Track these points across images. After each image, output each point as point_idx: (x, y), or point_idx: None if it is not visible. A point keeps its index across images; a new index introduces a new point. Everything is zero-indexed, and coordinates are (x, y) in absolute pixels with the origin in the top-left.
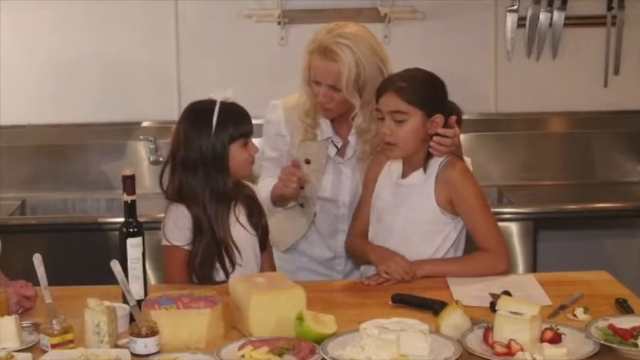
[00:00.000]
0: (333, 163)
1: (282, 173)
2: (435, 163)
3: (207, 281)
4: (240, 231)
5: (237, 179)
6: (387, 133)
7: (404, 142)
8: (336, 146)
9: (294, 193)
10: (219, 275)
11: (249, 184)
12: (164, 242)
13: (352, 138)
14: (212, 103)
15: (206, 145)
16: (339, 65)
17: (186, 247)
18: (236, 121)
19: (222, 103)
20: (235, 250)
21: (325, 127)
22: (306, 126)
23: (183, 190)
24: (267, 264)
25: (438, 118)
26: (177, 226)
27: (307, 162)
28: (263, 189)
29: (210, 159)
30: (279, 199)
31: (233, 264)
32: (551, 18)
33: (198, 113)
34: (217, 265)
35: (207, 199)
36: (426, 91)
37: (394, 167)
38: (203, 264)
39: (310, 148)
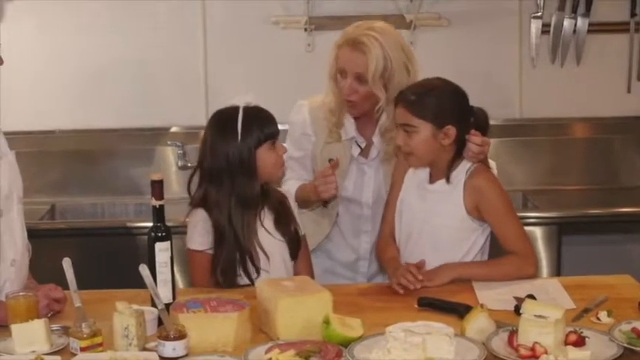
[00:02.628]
0: (357, 164)
1: (320, 177)
2: (462, 171)
3: (230, 286)
4: (264, 236)
5: (268, 184)
6: (401, 144)
7: (417, 152)
8: (359, 146)
9: (334, 196)
10: (244, 281)
11: (280, 189)
12: (187, 246)
13: (376, 139)
14: (235, 109)
15: (233, 152)
16: (367, 56)
17: (208, 251)
18: (261, 123)
19: (246, 108)
20: (264, 255)
21: (349, 127)
22: (331, 126)
23: (208, 198)
24: (304, 270)
25: (450, 130)
26: (197, 231)
27: (330, 161)
28: (287, 191)
29: (238, 165)
30: (307, 201)
31: (257, 270)
32: (575, 24)
33: (223, 120)
34: (241, 272)
35: (232, 206)
36: (436, 104)
37: (421, 169)
38: (225, 271)
39: (334, 148)
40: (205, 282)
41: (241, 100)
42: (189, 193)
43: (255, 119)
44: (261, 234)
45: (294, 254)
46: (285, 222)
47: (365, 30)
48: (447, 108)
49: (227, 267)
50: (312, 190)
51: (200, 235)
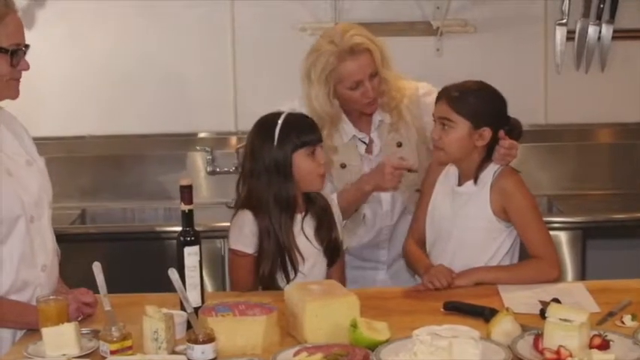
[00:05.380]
0: (368, 161)
1: (389, 167)
2: (490, 173)
3: (272, 288)
4: (303, 242)
5: (307, 191)
6: (435, 138)
7: (449, 148)
8: (363, 142)
9: (396, 186)
10: (283, 282)
11: (326, 195)
12: (230, 247)
13: (374, 135)
14: (279, 114)
15: (269, 155)
16: (370, 50)
17: (250, 253)
18: (299, 130)
19: (289, 114)
20: (300, 258)
21: (347, 128)
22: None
23: (252, 198)
24: (337, 279)
25: (486, 131)
26: (242, 233)
27: (343, 166)
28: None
29: (274, 168)
30: (353, 205)
31: (295, 270)
32: (600, 31)
33: (263, 125)
34: (281, 272)
35: (271, 207)
36: (476, 104)
37: (452, 173)
38: (270, 270)
39: (342, 154)
40: (248, 284)
41: (286, 105)
42: (237, 193)
43: (295, 125)
44: (300, 240)
45: (331, 262)
46: (326, 230)
47: (346, 35)
48: (486, 110)
49: (272, 267)
50: (374, 180)
51: (246, 236)
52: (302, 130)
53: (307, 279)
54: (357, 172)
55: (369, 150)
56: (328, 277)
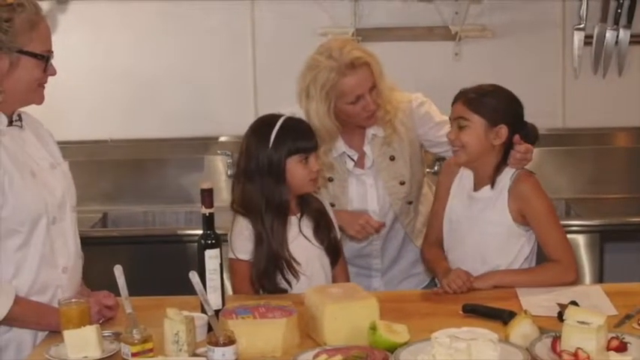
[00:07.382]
0: (355, 176)
1: (361, 222)
2: (507, 177)
3: (273, 291)
4: (304, 244)
5: (299, 194)
6: (452, 138)
7: (467, 147)
8: (352, 159)
9: (360, 239)
10: (285, 285)
11: (319, 197)
12: (230, 255)
13: (367, 148)
14: (277, 116)
15: (263, 156)
16: (370, 64)
17: (247, 260)
18: (295, 135)
19: (288, 118)
20: (294, 262)
21: (338, 145)
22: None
23: (245, 200)
24: (342, 275)
25: (502, 129)
26: (240, 240)
27: (330, 180)
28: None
29: (267, 170)
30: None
31: (296, 275)
32: (617, 36)
33: (260, 125)
34: (280, 277)
35: (264, 211)
36: (491, 102)
37: (466, 177)
38: (266, 274)
39: (330, 168)
40: (247, 290)
41: (287, 109)
42: (232, 195)
43: (292, 130)
44: (300, 242)
45: (333, 261)
46: (324, 229)
47: (346, 49)
48: (502, 110)
49: (266, 271)
50: (345, 222)
51: (244, 244)
52: (298, 136)
53: (312, 280)
54: (343, 185)
55: (360, 164)
56: (333, 276)
